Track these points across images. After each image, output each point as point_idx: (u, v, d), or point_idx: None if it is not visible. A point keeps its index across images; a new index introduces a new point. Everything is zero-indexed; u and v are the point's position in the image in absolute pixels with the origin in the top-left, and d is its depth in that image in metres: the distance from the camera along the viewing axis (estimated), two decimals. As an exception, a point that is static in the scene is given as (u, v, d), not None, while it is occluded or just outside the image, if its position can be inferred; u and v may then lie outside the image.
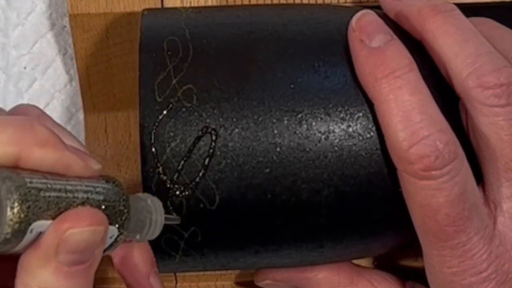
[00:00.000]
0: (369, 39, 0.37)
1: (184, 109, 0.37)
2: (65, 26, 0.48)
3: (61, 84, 0.49)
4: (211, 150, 0.37)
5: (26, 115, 0.35)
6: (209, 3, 0.45)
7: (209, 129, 0.37)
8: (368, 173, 0.37)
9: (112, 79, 0.47)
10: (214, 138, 0.37)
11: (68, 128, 0.49)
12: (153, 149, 0.36)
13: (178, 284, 0.46)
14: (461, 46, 0.37)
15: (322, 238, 0.39)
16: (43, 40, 0.48)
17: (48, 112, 0.48)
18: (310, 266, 0.41)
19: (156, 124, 0.37)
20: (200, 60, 0.37)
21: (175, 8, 0.40)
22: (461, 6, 0.39)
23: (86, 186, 0.33)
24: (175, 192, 0.37)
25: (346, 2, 0.45)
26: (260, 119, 0.37)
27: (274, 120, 0.37)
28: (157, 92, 0.37)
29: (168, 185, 0.37)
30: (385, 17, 0.39)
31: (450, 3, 0.39)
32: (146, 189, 0.37)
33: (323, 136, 0.37)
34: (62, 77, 0.49)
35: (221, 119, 0.37)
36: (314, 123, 0.37)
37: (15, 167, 0.31)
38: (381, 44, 0.37)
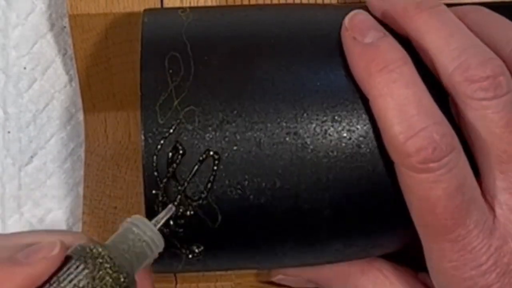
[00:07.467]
0: (362, 36, 0.37)
1: (186, 132, 0.36)
2: (64, 27, 0.48)
3: (61, 85, 0.49)
4: (213, 173, 0.36)
5: None
6: (209, 3, 0.45)
7: (211, 153, 0.36)
8: (368, 176, 0.37)
9: (112, 79, 0.47)
10: (216, 162, 0.36)
11: (68, 128, 0.49)
12: (155, 173, 0.36)
13: (178, 285, 0.45)
14: (446, 41, 0.37)
15: (323, 250, 0.39)
16: (43, 41, 0.49)
17: (48, 113, 0.49)
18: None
19: (159, 147, 0.36)
20: (202, 80, 0.37)
21: (176, 12, 0.40)
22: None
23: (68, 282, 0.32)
24: (177, 213, 0.37)
25: (345, 2, 0.45)
26: (262, 141, 0.36)
27: (277, 143, 0.37)
28: (159, 114, 0.36)
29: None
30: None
31: None
32: (149, 210, 0.37)
33: (324, 157, 0.37)
34: (62, 78, 0.49)
35: (223, 142, 0.36)
36: (317, 146, 0.37)
37: None
38: (374, 40, 0.37)
